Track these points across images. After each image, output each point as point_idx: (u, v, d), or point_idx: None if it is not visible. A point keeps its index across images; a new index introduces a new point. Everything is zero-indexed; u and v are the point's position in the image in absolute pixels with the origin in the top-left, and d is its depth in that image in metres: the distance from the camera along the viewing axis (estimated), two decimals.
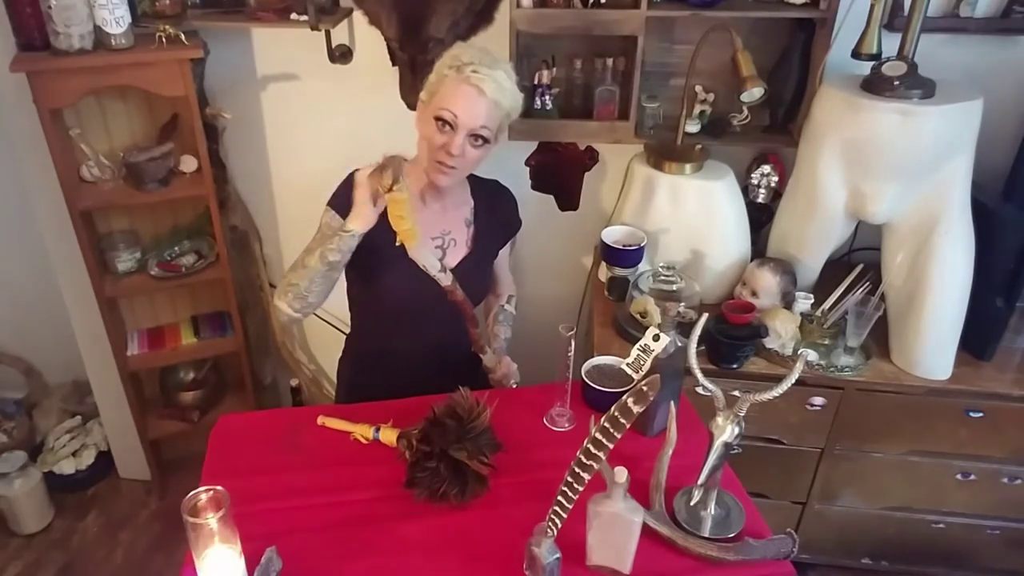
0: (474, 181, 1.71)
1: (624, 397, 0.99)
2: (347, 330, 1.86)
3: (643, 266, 2.05)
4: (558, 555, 1.12)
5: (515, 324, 1.90)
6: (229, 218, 2.36)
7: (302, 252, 1.54)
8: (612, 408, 1.00)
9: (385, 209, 1.38)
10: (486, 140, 1.49)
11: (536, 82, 2.04)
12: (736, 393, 1.23)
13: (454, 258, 1.67)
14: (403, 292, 1.57)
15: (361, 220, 1.41)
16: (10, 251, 2.58)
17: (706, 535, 1.25)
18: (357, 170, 1.60)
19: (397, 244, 1.38)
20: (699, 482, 1.23)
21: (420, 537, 1.25)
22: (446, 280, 1.45)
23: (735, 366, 1.89)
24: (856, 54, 1.82)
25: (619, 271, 2.07)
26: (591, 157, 2.25)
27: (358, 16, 2.02)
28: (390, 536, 1.26)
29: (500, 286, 1.89)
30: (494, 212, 1.72)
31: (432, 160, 1.49)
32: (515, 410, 1.49)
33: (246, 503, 1.21)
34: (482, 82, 1.43)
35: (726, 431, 1.20)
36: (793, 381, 1.16)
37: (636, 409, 0.98)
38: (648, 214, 2.06)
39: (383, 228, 1.56)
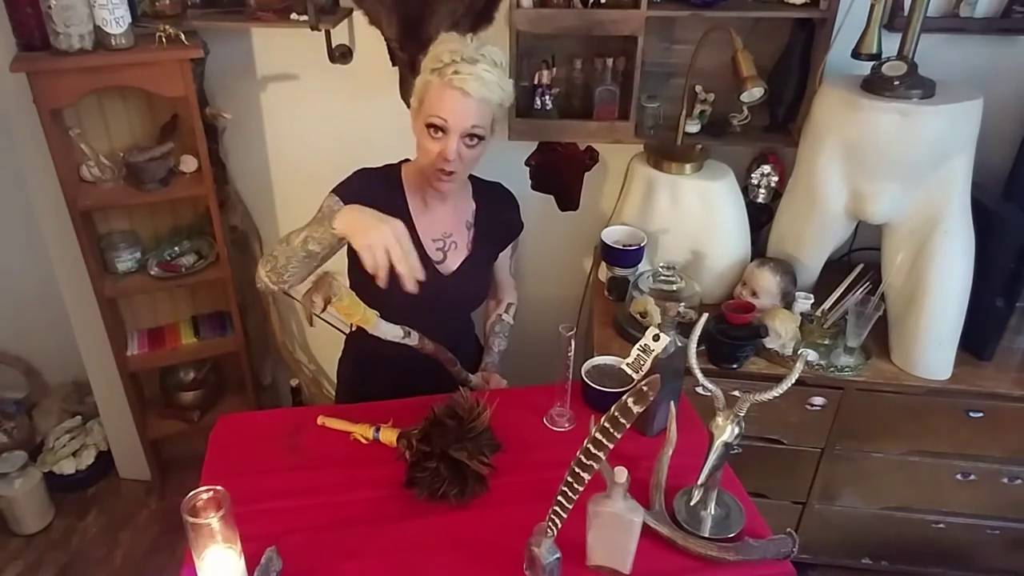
0: (476, 183, 1.71)
1: (624, 397, 0.99)
2: (347, 330, 1.86)
3: (643, 266, 2.05)
4: (558, 555, 1.12)
5: (515, 324, 1.90)
6: (229, 218, 2.36)
7: (296, 229, 1.52)
8: (612, 408, 1.00)
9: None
10: (481, 137, 1.49)
11: (536, 82, 2.04)
12: (736, 393, 1.23)
13: (454, 260, 1.67)
14: (403, 292, 1.57)
15: (356, 231, 1.32)
16: (10, 251, 2.58)
17: (706, 535, 1.25)
18: (363, 169, 1.61)
19: (353, 329, 1.38)
20: (699, 482, 1.23)
21: (420, 537, 1.25)
22: (413, 341, 1.46)
23: (735, 366, 1.89)
24: (856, 54, 1.82)
25: (619, 271, 2.07)
26: (591, 157, 2.25)
27: (358, 16, 2.02)
28: (390, 536, 1.26)
29: (500, 291, 1.89)
30: (495, 215, 1.72)
31: (432, 169, 1.50)
32: (515, 410, 1.49)
33: (246, 503, 1.21)
34: (465, 83, 1.41)
35: (726, 431, 1.20)
36: (793, 381, 1.16)
37: (636, 409, 0.98)
38: (648, 214, 2.06)
39: None
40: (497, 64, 1.46)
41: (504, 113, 1.57)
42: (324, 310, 1.28)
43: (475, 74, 1.42)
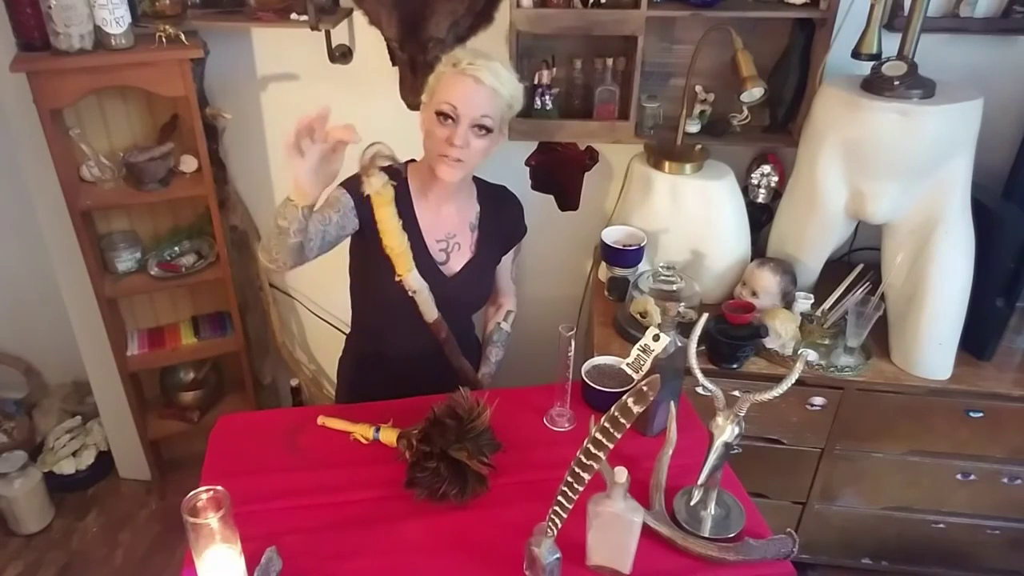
0: (481, 185, 1.71)
1: (624, 397, 0.99)
2: (347, 330, 1.86)
3: (643, 266, 2.05)
4: (558, 555, 1.12)
5: (516, 324, 1.90)
6: (229, 218, 2.36)
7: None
8: (612, 408, 1.00)
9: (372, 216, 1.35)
10: (489, 130, 1.49)
11: (536, 82, 2.04)
12: (736, 393, 1.24)
13: (457, 262, 1.67)
14: (403, 292, 1.58)
15: (301, 193, 1.27)
16: (10, 251, 2.58)
17: (706, 535, 1.25)
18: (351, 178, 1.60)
19: (397, 279, 1.38)
20: (699, 482, 1.23)
21: (420, 537, 1.25)
22: (432, 316, 1.46)
23: (735, 366, 1.89)
24: (856, 54, 1.82)
25: (619, 271, 2.07)
26: (591, 157, 2.25)
27: (358, 16, 2.02)
28: (390, 536, 1.26)
29: (501, 296, 1.88)
30: (499, 218, 1.72)
31: (437, 155, 1.50)
32: (515, 410, 1.49)
33: (246, 503, 1.21)
34: (478, 71, 1.45)
35: (726, 431, 1.20)
36: (793, 381, 1.16)
37: (636, 409, 0.98)
38: (648, 214, 2.06)
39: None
40: (512, 73, 1.52)
41: (512, 115, 1.59)
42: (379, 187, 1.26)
43: (489, 67, 1.46)
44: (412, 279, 1.41)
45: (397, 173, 1.30)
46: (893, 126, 1.74)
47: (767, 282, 1.96)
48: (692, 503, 1.29)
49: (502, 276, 1.85)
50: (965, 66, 1.93)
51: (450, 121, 1.47)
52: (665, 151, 2.05)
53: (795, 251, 2.03)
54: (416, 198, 1.61)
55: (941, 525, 2.13)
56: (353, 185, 1.54)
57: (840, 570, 2.29)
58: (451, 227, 1.65)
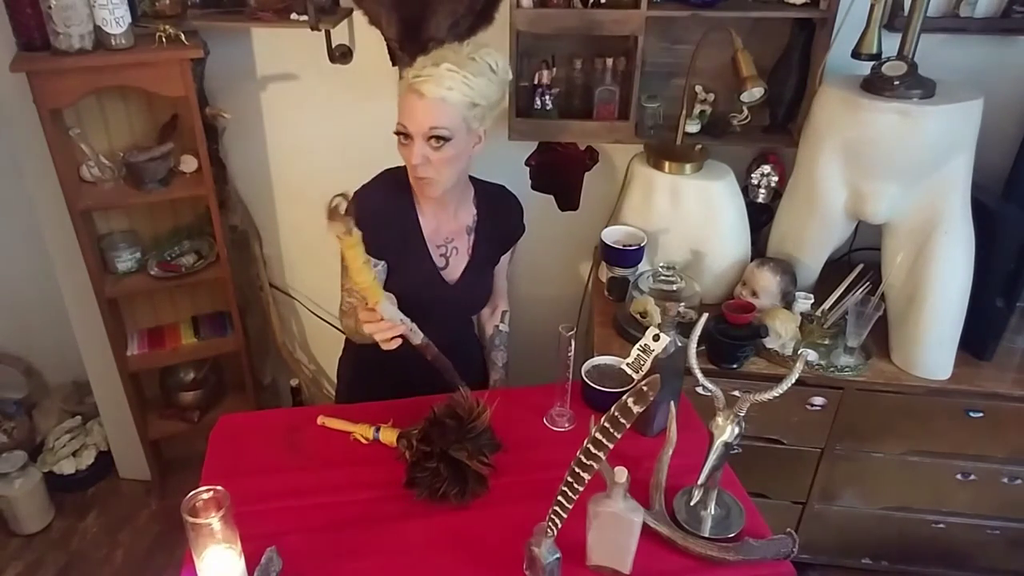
0: (479, 186, 1.70)
1: (624, 397, 0.99)
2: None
3: (643, 266, 2.05)
4: (558, 555, 1.12)
5: (516, 324, 1.90)
6: (229, 218, 2.36)
7: (343, 292, 1.60)
8: (612, 408, 1.00)
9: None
10: (445, 139, 1.44)
11: (536, 82, 2.04)
12: (736, 393, 1.23)
13: (457, 267, 1.66)
14: (403, 292, 1.57)
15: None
16: (10, 251, 2.58)
17: (706, 535, 1.25)
18: (362, 189, 1.59)
19: (370, 309, 1.37)
20: (699, 482, 1.23)
21: (420, 537, 1.25)
22: (417, 339, 1.44)
23: (735, 366, 1.89)
24: (856, 54, 1.83)
25: (619, 271, 2.07)
26: (591, 157, 2.25)
27: (358, 16, 2.02)
28: (390, 536, 1.26)
29: (496, 296, 1.88)
30: (497, 219, 1.71)
31: (412, 176, 1.51)
32: (515, 410, 1.49)
33: (246, 503, 1.21)
34: (421, 84, 1.40)
35: (726, 431, 1.20)
36: (793, 381, 1.16)
37: (636, 409, 0.98)
38: (648, 214, 2.06)
39: (385, 229, 1.56)
40: (472, 69, 1.42)
41: (488, 112, 1.50)
42: (343, 232, 1.26)
43: (434, 76, 1.40)
44: (383, 309, 1.38)
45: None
46: (893, 126, 1.74)
47: (767, 282, 1.96)
48: (692, 503, 1.29)
49: (498, 276, 1.84)
50: (965, 66, 1.93)
51: (408, 139, 1.45)
52: (665, 151, 2.05)
53: (795, 251, 2.03)
54: (418, 203, 1.62)
55: (941, 525, 2.13)
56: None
57: (840, 570, 2.29)
58: (449, 232, 1.65)
